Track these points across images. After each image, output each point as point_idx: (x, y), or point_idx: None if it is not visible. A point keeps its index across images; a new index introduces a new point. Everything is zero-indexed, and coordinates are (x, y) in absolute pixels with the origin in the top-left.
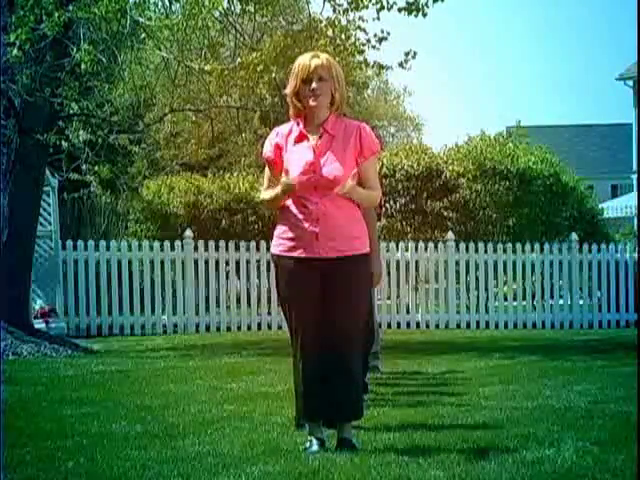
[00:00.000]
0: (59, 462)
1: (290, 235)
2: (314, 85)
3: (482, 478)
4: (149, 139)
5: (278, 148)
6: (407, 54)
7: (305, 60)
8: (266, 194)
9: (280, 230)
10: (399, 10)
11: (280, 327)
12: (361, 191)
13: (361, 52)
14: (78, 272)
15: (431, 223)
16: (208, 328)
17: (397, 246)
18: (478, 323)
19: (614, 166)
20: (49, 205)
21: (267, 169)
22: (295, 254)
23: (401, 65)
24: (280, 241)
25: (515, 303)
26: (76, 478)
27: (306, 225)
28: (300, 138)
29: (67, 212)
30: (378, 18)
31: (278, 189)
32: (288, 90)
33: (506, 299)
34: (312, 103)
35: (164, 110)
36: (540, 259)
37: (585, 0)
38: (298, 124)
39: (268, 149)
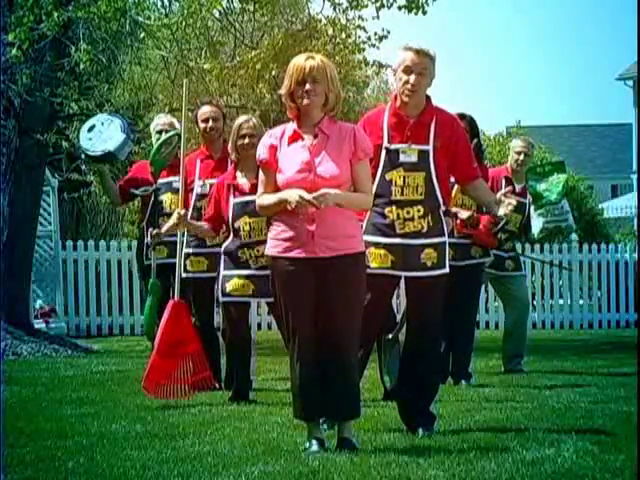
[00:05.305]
0: (59, 462)
1: (285, 236)
2: (307, 87)
3: (482, 478)
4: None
5: (273, 149)
6: None
7: (300, 61)
8: (264, 200)
9: (275, 231)
10: (399, 8)
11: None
12: (343, 195)
13: (361, 51)
14: (78, 272)
15: None
16: None
17: None
18: (478, 323)
19: (614, 166)
20: (49, 205)
21: (261, 174)
22: (291, 254)
23: None
24: (275, 242)
25: None
26: (76, 478)
27: (301, 225)
28: (294, 138)
29: (67, 212)
30: (378, 17)
31: (281, 195)
32: (283, 90)
33: None
34: (305, 102)
35: (164, 110)
36: (540, 259)
37: (585, 0)
38: (293, 122)
39: (262, 151)
